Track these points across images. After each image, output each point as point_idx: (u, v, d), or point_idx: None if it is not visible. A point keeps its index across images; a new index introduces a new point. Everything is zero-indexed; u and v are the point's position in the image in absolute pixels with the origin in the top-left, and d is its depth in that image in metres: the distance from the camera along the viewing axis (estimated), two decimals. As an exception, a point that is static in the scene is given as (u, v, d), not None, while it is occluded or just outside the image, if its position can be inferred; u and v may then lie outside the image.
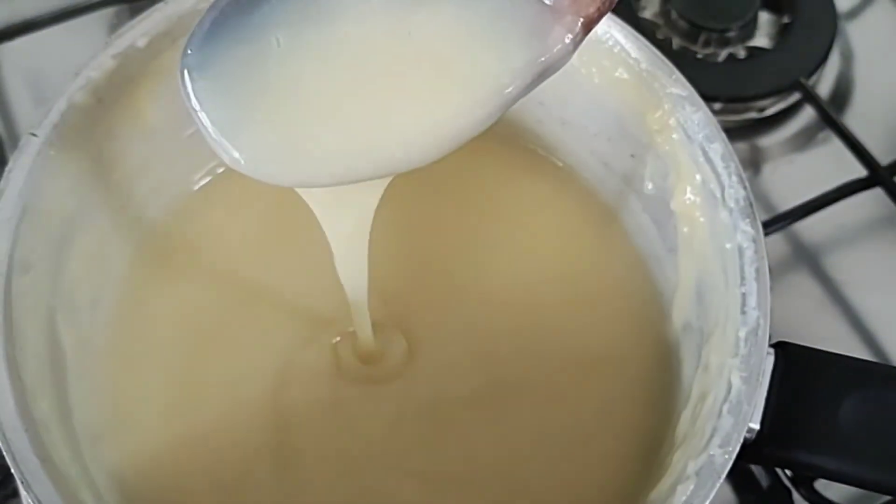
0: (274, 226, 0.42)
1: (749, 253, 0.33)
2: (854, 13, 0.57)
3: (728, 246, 0.34)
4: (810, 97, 0.51)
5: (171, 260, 0.41)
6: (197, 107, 0.29)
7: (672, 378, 0.37)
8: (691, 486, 0.30)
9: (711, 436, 0.31)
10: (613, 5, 0.30)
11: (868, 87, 0.54)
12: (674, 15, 0.53)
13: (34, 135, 0.35)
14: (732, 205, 0.34)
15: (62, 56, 0.50)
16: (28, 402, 0.31)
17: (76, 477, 0.32)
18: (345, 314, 0.37)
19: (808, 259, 0.48)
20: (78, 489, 0.31)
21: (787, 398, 0.33)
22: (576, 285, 0.40)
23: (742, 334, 0.32)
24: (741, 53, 0.53)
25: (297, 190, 0.32)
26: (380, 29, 0.29)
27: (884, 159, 0.48)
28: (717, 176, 0.35)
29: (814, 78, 0.52)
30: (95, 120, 0.36)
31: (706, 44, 0.53)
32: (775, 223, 0.47)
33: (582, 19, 0.29)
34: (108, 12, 0.54)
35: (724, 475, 0.30)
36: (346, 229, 0.34)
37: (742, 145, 0.52)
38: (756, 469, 0.41)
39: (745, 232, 0.34)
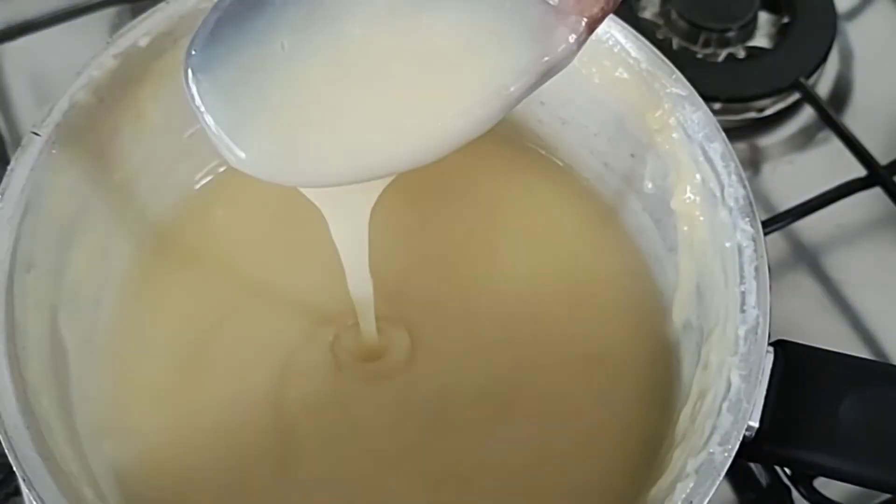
0: (275, 225, 0.42)
1: (748, 252, 0.33)
2: (853, 13, 0.57)
3: (728, 245, 0.34)
4: (810, 97, 0.51)
5: (172, 259, 0.41)
6: (201, 106, 0.29)
7: (672, 376, 0.37)
8: (691, 484, 0.30)
9: (711, 434, 0.31)
10: (617, 5, 0.30)
11: (867, 87, 0.54)
12: (674, 15, 0.53)
13: (36, 133, 0.35)
14: (732, 204, 0.34)
15: (64, 56, 0.51)
16: (30, 399, 0.31)
17: (78, 474, 0.32)
18: (346, 312, 0.37)
19: (807, 258, 0.48)
20: (79, 487, 0.31)
21: (786, 396, 0.33)
22: (576, 284, 0.41)
23: (741, 333, 0.32)
24: (741, 53, 0.53)
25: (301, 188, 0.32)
26: (384, 27, 0.29)
27: (883, 159, 0.48)
28: (717, 175, 0.35)
29: (813, 78, 0.52)
30: (97, 119, 0.37)
31: (706, 44, 0.53)
32: (775, 222, 0.47)
33: (586, 19, 0.29)
34: (109, 12, 0.54)
35: (723, 473, 0.30)
36: (350, 225, 0.34)
37: (742, 145, 0.52)
38: (756, 467, 0.42)
39: (745, 231, 0.34)
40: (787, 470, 0.40)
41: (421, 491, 0.36)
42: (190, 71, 0.29)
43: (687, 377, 0.36)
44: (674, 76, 0.36)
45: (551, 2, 0.29)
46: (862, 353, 0.45)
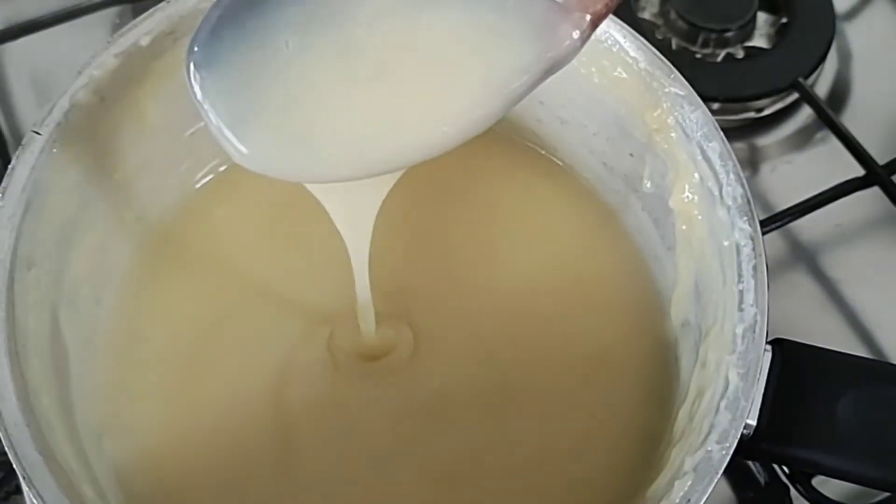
0: (275, 224, 0.42)
1: (746, 250, 0.33)
2: (852, 13, 0.57)
3: (726, 243, 0.34)
4: (808, 97, 0.51)
5: (172, 258, 0.41)
6: (203, 101, 0.29)
7: (670, 374, 0.37)
8: (689, 482, 0.30)
9: (709, 432, 0.31)
10: (620, 1, 0.30)
11: (866, 87, 0.54)
12: (673, 15, 0.53)
13: (37, 132, 0.35)
14: (730, 202, 0.34)
15: (65, 55, 0.51)
16: (30, 397, 0.32)
17: (78, 473, 0.32)
18: (346, 311, 0.37)
19: (805, 257, 0.48)
20: (80, 485, 0.32)
21: (784, 395, 0.33)
22: (575, 283, 0.41)
23: (739, 331, 0.32)
24: (739, 53, 0.53)
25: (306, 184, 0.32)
26: (388, 22, 0.30)
27: (881, 159, 0.48)
28: (715, 174, 0.35)
29: (812, 78, 0.52)
30: (98, 118, 0.37)
31: (705, 44, 0.53)
32: (773, 222, 0.47)
33: (590, 16, 0.29)
34: (110, 12, 0.54)
35: (721, 471, 0.30)
36: (355, 222, 0.34)
37: (740, 145, 0.52)
38: (754, 465, 0.42)
39: (743, 229, 0.34)
40: (785, 468, 0.41)
41: (420, 489, 0.37)
42: (192, 66, 0.29)
43: (685, 375, 0.36)
44: (672, 76, 0.37)
45: (556, -2, 0.29)
46: (860, 351, 0.45)
